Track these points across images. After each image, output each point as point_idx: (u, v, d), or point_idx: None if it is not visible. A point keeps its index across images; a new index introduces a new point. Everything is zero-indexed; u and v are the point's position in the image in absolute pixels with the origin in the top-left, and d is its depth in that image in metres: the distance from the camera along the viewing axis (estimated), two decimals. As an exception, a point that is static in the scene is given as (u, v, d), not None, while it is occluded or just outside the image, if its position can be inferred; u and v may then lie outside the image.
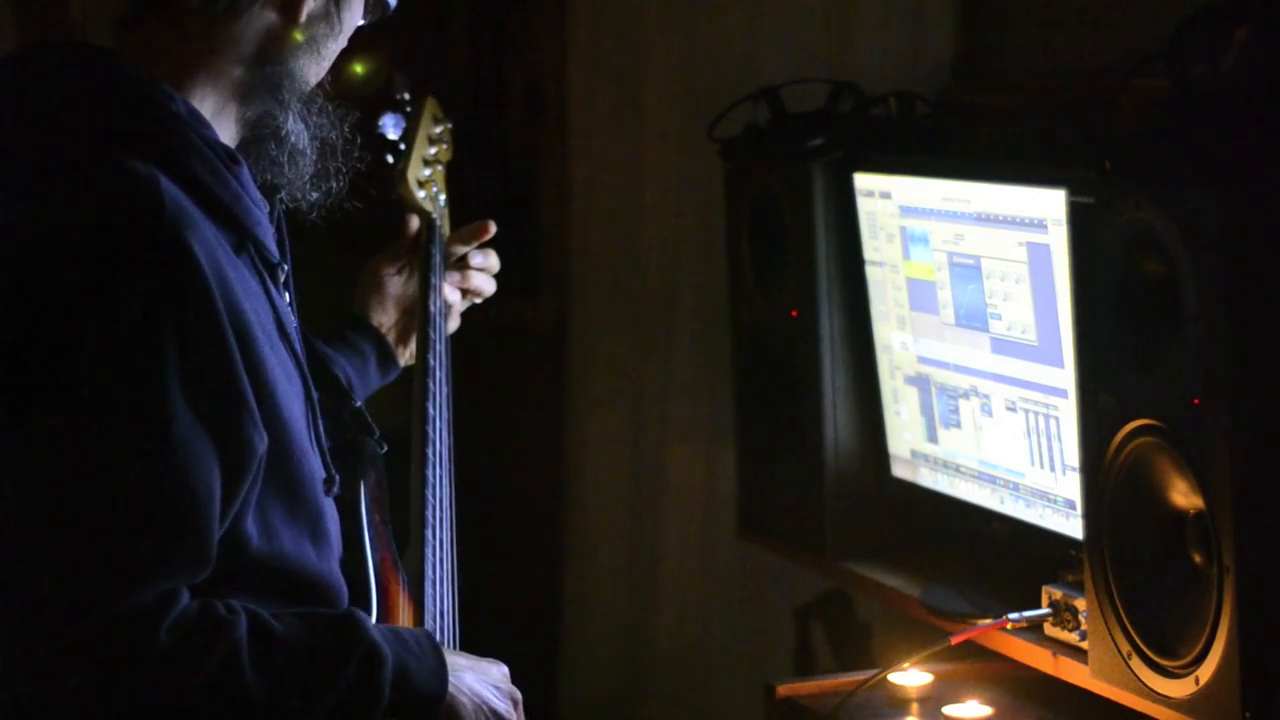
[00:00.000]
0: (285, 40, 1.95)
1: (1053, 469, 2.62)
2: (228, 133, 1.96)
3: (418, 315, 2.49)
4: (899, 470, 2.99)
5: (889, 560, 2.99)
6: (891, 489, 3.01)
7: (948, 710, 2.68)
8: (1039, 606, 2.54)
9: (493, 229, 2.62)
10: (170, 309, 1.77)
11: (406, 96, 2.69)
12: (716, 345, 3.54)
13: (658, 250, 3.95)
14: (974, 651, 2.68)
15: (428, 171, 2.63)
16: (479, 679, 2.00)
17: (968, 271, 2.73)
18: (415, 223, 2.58)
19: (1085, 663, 2.39)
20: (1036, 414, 2.64)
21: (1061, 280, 2.51)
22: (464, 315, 2.62)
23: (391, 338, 2.51)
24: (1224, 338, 2.10)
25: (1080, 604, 2.46)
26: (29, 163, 1.85)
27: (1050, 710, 2.68)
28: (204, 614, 1.80)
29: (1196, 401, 2.13)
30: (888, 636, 3.27)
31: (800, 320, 3.04)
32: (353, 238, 2.49)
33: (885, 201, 2.90)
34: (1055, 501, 2.63)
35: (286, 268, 2.03)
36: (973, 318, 2.74)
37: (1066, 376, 2.55)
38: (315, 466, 1.97)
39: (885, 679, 2.71)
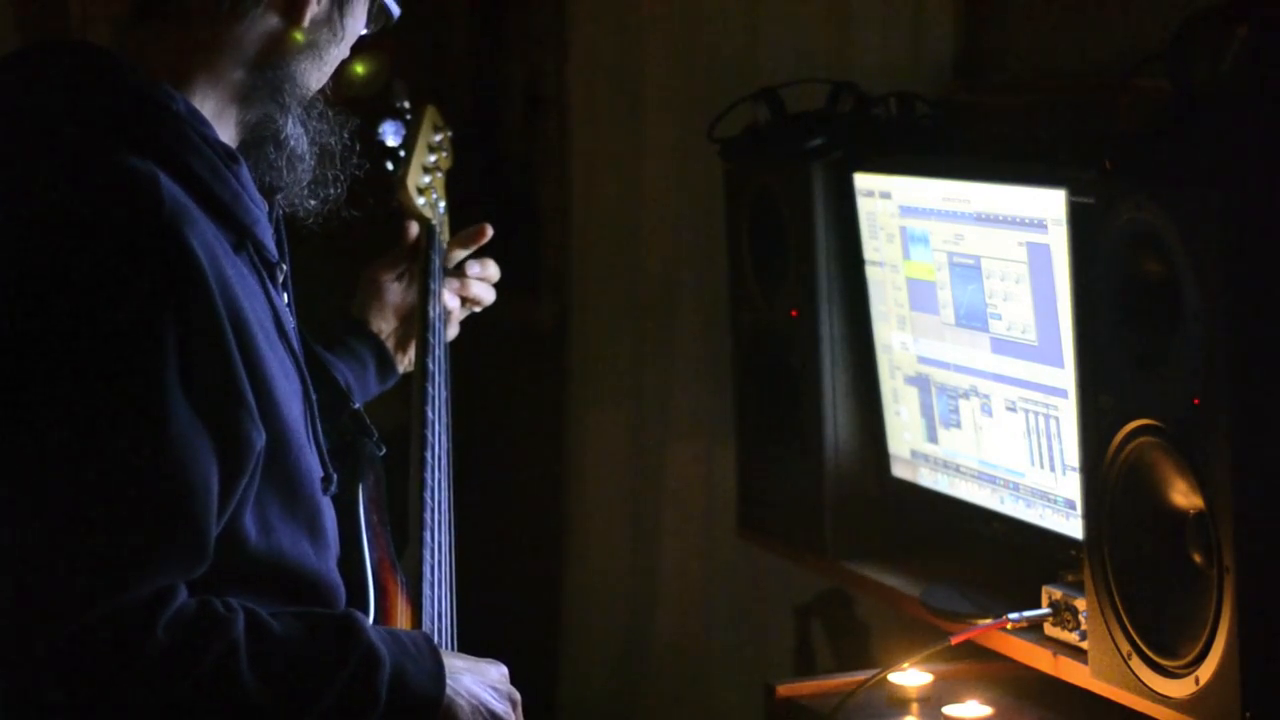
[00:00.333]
0: (287, 43, 1.95)
1: (1053, 469, 2.62)
2: (227, 135, 1.96)
3: (417, 320, 2.49)
4: (899, 470, 3.00)
5: (889, 560, 2.99)
6: (891, 489, 3.01)
7: (948, 710, 2.68)
8: (1039, 606, 2.54)
9: (490, 232, 2.62)
10: (169, 305, 1.78)
11: (407, 104, 2.70)
12: (716, 345, 3.54)
13: (658, 250, 3.95)
14: (974, 651, 2.68)
15: (427, 179, 2.64)
16: (477, 680, 2.00)
17: (968, 271, 2.73)
18: (414, 229, 2.58)
19: (1085, 663, 2.39)
20: (1036, 414, 2.64)
21: (1061, 280, 2.51)
22: (462, 319, 2.62)
23: (390, 344, 2.51)
24: (1224, 338, 2.10)
25: (1080, 604, 2.46)
26: (29, 160, 1.85)
27: (1050, 710, 2.68)
28: (202, 612, 1.80)
29: (1196, 401, 2.13)
30: (888, 636, 3.27)
31: (800, 320, 3.04)
32: (350, 243, 2.49)
33: (885, 201, 2.90)
34: (1055, 501, 2.63)
35: (285, 268, 2.04)
36: (973, 318, 2.74)
37: (1066, 376, 2.55)
38: (313, 465, 1.97)
39: (885, 679, 2.71)
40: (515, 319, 3.99)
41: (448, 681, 1.94)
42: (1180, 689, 2.19)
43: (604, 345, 4.12)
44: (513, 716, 2.02)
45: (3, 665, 1.75)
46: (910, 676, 2.73)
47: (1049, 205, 2.52)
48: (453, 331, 2.57)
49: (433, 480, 2.32)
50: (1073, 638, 2.48)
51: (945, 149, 3.01)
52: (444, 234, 2.62)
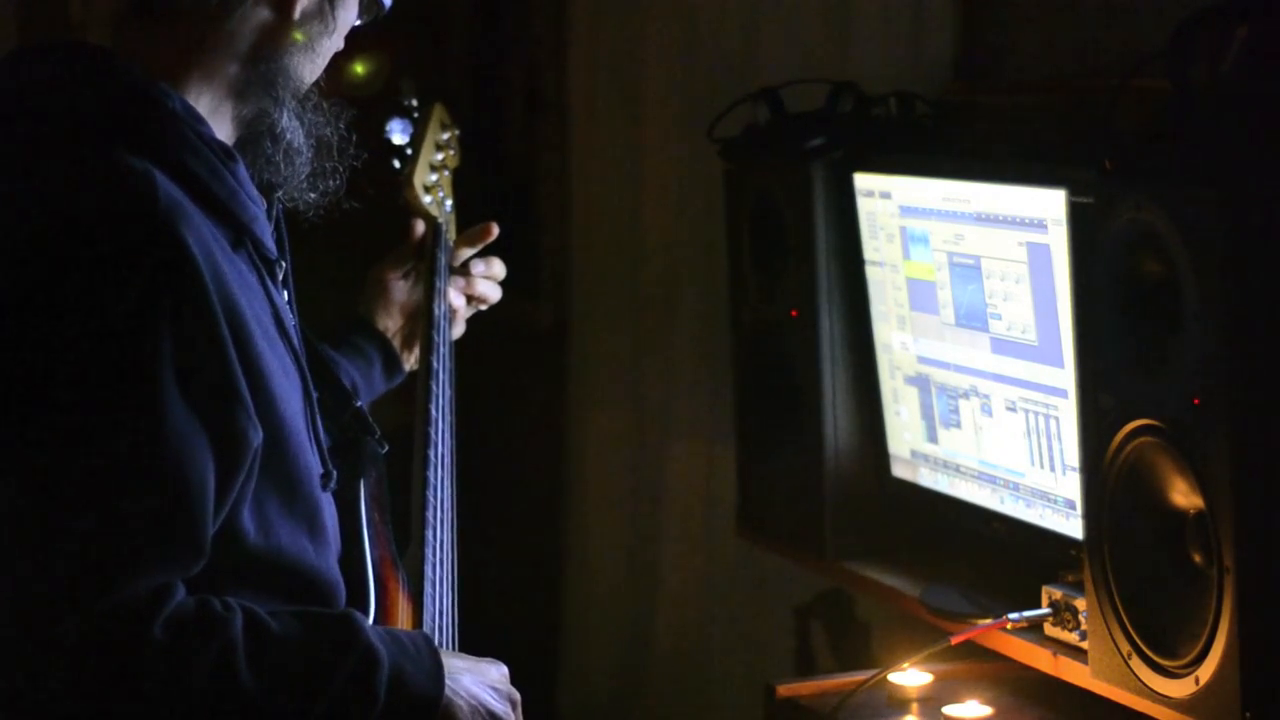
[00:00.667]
0: (279, 37, 1.96)
1: (1053, 469, 2.62)
2: (224, 131, 1.97)
3: (422, 318, 2.50)
4: (899, 470, 2.99)
5: (889, 560, 2.99)
6: (891, 489, 3.01)
7: (948, 710, 2.68)
8: (1039, 606, 2.54)
9: (495, 231, 2.63)
10: (164, 302, 1.78)
11: (414, 103, 2.70)
12: (716, 345, 3.54)
13: (658, 250, 3.95)
14: (974, 651, 2.68)
15: (434, 177, 2.64)
16: (476, 681, 2.00)
17: (968, 271, 2.73)
18: (421, 227, 2.58)
19: (1085, 663, 2.39)
20: (1036, 414, 2.64)
21: (1061, 280, 2.51)
22: (468, 317, 2.62)
23: (397, 342, 2.52)
24: (1224, 338, 2.10)
25: (1080, 604, 2.46)
26: (26, 160, 1.85)
27: (1050, 710, 2.67)
28: (200, 610, 1.80)
29: (1196, 401, 2.13)
30: (888, 636, 3.27)
31: (800, 320, 3.04)
32: (353, 241, 2.49)
33: (885, 201, 2.90)
34: (1055, 501, 2.63)
35: (285, 264, 2.04)
36: (973, 318, 2.74)
37: (1066, 376, 2.55)
38: (312, 462, 1.97)
39: (885, 679, 2.71)
40: (515, 319, 3.99)
41: (447, 682, 1.94)
42: (1180, 689, 2.19)
43: (604, 345, 4.12)
44: (512, 716, 2.02)
45: (2, 662, 1.75)
46: (910, 676, 2.73)
47: (1049, 205, 2.52)
48: (458, 330, 2.58)
49: (436, 479, 2.32)
50: (1073, 638, 2.48)
51: (945, 149, 3.01)
52: (450, 232, 2.63)
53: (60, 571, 1.75)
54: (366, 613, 2.05)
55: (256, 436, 1.85)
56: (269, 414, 1.87)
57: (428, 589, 2.20)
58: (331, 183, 2.05)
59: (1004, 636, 2.58)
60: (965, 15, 3.24)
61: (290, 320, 2.02)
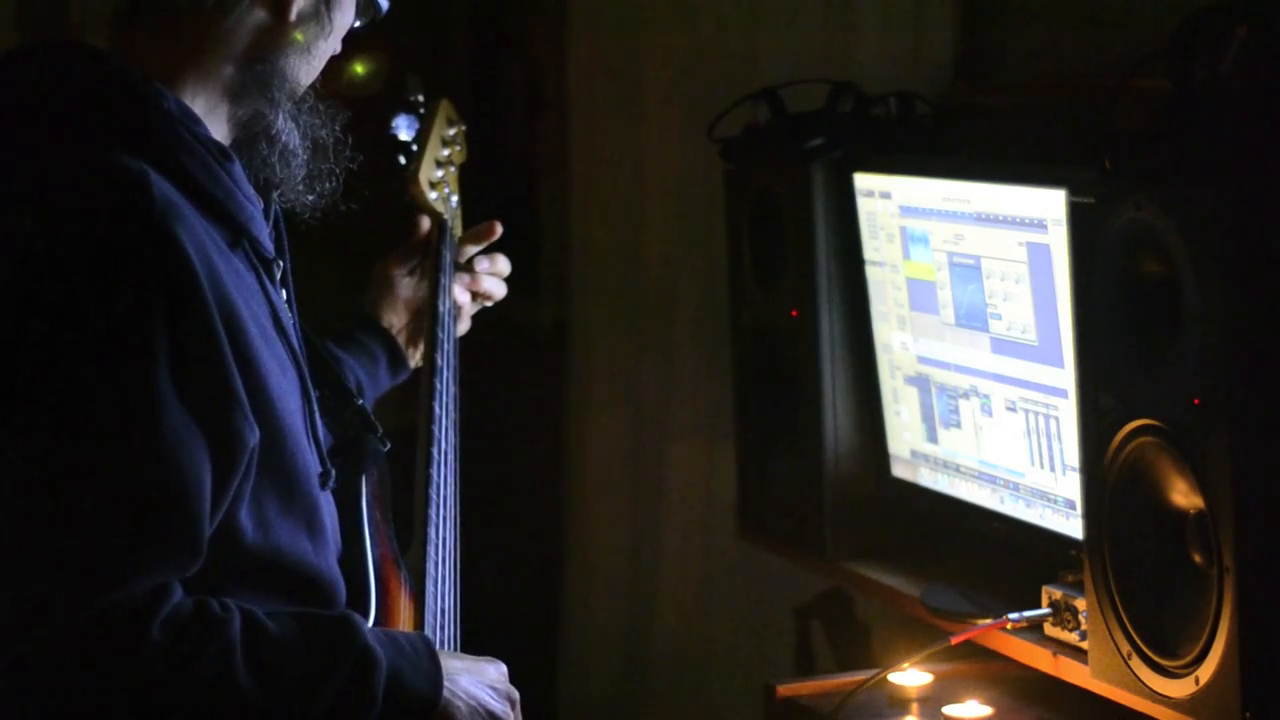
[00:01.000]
0: (275, 39, 1.96)
1: (1053, 469, 2.62)
2: (219, 132, 1.97)
3: (426, 315, 2.49)
4: (899, 470, 2.99)
5: (889, 560, 2.99)
6: (891, 489, 3.01)
7: (948, 710, 2.68)
8: (1039, 606, 2.54)
9: (499, 230, 2.63)
10: (159, 301, 1.78)
11: (421, 98, 2.70)
12: (716, 345, 3.54)
13: (658, 250, 3.95)
14: (974, 651, 2.68)
15: (440, 173, 2.64)
16: (475, 681, 2.00)
17: (968, 271, 2.73)
18: (426, 224, 2.58)
19: (1085, 663, 2.39)
20: (1036, 414, 2.64)
21: (1061, 280, 2.51)
22: (473, 314, 2.62)
23: (402, 339, 2.52)
24: (1224, 338, 2.10)
25: (1080, 604, 2.46)
26: (22, 159, 1.85)
27: (1050, 710, 2.67)
28: (198, 611, 1.80)
29: (1196, 401, 2.13)
30: (888, 636, 3.27)
31: (800, 320, 3.04)
32: (352, 238, 2.49)
33: (885, 201, 2.90)
34: (1055, 501, 2.63)
35: (283, 264, 2.04)
36: (973, 318, 2.74)
37: (1066, 376, 2.55)
38: (310, 461, 1.97)
39: (885, 679, 2.71)
40: (515, 319, 3.99)
41: (445, 683, 1.94)
42: (1180, 689, 2.19)
43: (604, 346, 4.12)
44: (511, 716, 2.02)
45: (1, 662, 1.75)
46: (910, 676, 2.73)
47: (1049, 205, 2.52)
48: (463, 327, 2.58)
49: (439, 476, 2.32)
50: (1073, 638, 2.48)
51: (945, 149, 3.01)
52: (456, 228, 2.63)
53: (57, 571, 1.75)
54: (367, 611, 2.05)
55: (253, 436, 1.85)
56: (266, 413, 1.87)
57: (429, 587, 2.20)
58: (328, 184, 2.05)
59: (1004, 636, 2.58)
60: (965, 15, 3.24)
61: (288, 319, 2.02)
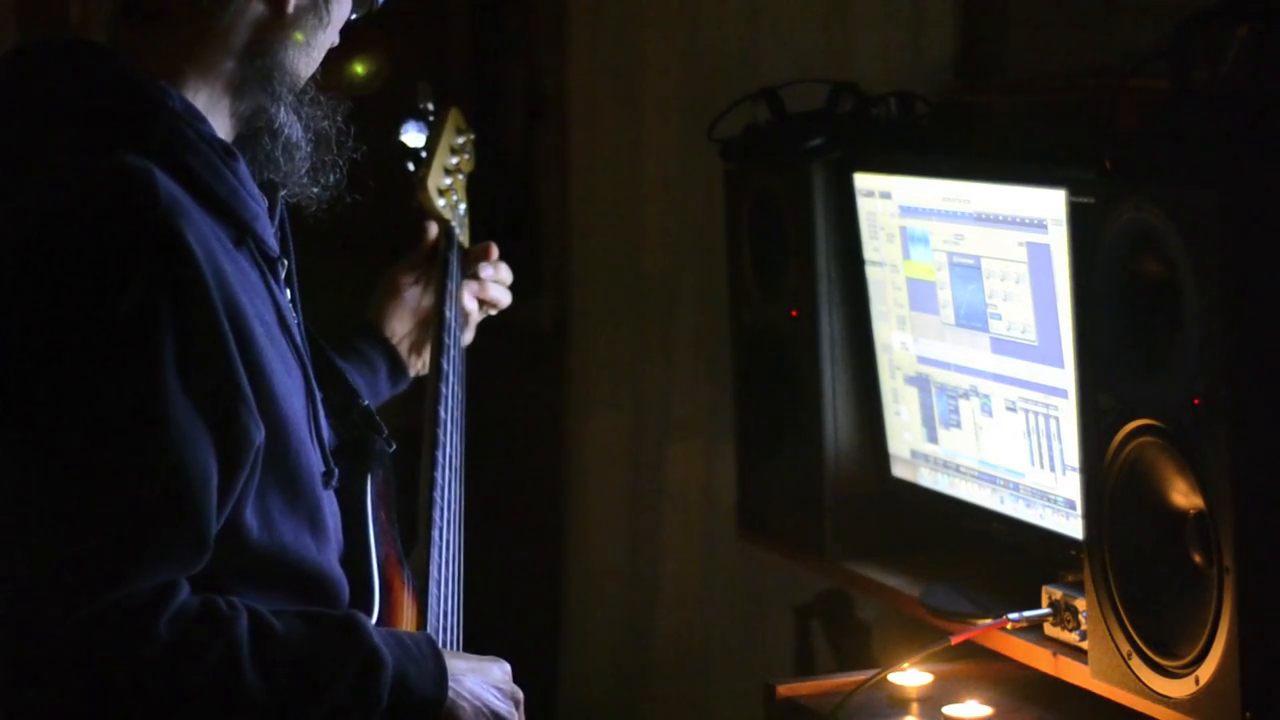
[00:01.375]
0: (274, 32, 1.96)
1: (1053, 469, 2.62)
2: (222, 128, 1.97)
3: (433, 321, 2.49)
4: (899, 470, 2.99)
5: (889, 560, 2.99)
6: (891, 489, 3.01)
7: (948, 710, 2.68)
8: (1039, 606, 2.54)
9: (495, 251, 2.62)
10: (165, 298, 1.78)
11: (431, 106, 2.70)
12: (716, 345, 3.54)
13: (658, 250, 3.95)
14: (974, 651, 2.68)
15: (448, 180, 2.65)
16: (480, 681, 2.00)
17: (968, 271, 2.73)
18: (434, 231, 2.58)
19: (1085, 663, 2.39)
20: (1036, 414, 2.64)
21: (1061, 280, 2.51)
22: (479, 321, 2.61)
23: (404, 348, 2.51)
24: (1224, 338, 2.10)
25: (1080, 604, 2.46)
26: (27, 159, 1.86)
27: (1050, 710, 2.67)
28: (205, 609, 1.80)
29: (1196, 401, 2.13)
30: (888, 636, 3.27)
31: (800, 320, 3.04)
32: (354, 239, 2.49)
33: (885, 201, 2.90)
34: (1055, 501, 2.63)
35: (287, 263, 2.04)
36: (973, 318, 2.74)
37: (1066, 376, 2.55)
38: (314, 459, 1.98)
39: (885, 679, 2.71)
40: (515, 319, 4.00)
41: (450, 684, 1.94)
42: (1180, 689, 2.19)
43: (604, 346, 4.12)
44: (516, 716, 2.02)
45: (5, 657, 1.75)
46: (910, 676, 2.73)
47: (1049, 205, 2.52)
48: (468, 336, 2.57)
49: (443, 479, 2.32)
50: (1073, 638, 2.48)
51: (945, 149, 3.01)
52: (464, 236, 2.64)
53: (63, 567, 1.75)
54: (370, 611, 2.05)
55: (259, 434, 1.85)
56: (270, 411, 1.88)
57: (432, 589, 2.20)
58: (332, 176, 2.06)
59: (1004, 636, 2.58)
60: (965, 15, 3.24)
61: (293, 318, 2.02)
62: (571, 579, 4.24)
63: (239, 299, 1.85)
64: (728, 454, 3.40)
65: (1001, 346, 2.69)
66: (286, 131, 1.99)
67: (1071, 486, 2.58)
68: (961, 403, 2.81)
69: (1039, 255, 2.56)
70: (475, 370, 2.64)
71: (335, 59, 2.07)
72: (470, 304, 2.57)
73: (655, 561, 3.97)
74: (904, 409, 2.95)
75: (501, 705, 2.00)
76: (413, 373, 2.52)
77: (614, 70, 4.04)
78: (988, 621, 2.58)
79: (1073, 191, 2.34)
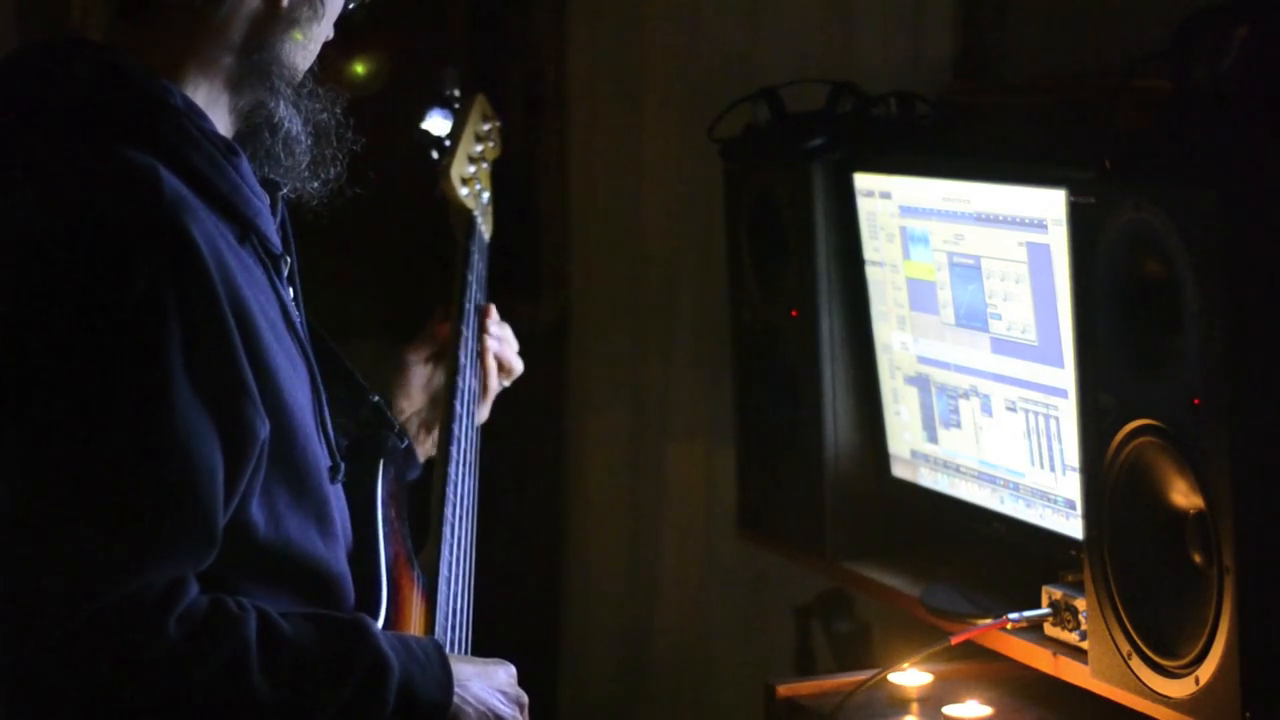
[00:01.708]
0: (270, 26, 1.97)
1: (1053, 469, 2.62)
2: (222, 124, 1.97)
3: (452, 311, 2.46)
4: (899, 470, 2.99)
5: (889, 560, 2.99)
6: (891, 489, 3.01)
7: (948, 710, 2.68)
8: (1039, 606, 2.54)
9: (494, 311, 2.57)
10: (171, 292, 1.79)
11: (456, 93, 2.69)
12: (716, 345, 3.54)
13: (658, 250, 3.95)
14: (974, 651, 2.68)
15: (472, 169, 2.63)
16: (485, 686, 2.00)
17: (968, 271, 2.73)
18: (445, 329, 2.49)
19: (1085, 663, 2.39)
20: (1036, 414, 2.64)
21: (1061, 280, 2.51)
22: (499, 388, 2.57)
23: (414, 426, 2.44)
24: (1224, 338, 2.10)
25: (1080, 604, 2.46)
26: (32, 156, 1.86)
27: (1050, 710, 2.67)
28: (214, 609, 1.81)
29: (1196, 401, 2.13)
30: (888, 636, 3.27)
31: (800, 320, 3.04)
32: (357, 239, 2.48)
33: (885, 201, 2.90)
34: (1055, 501, 2.63)
35: (290, 260, 2.04)
36: (973, 318, 2.74)
37: (1066, 376, 2.55)
38: (320, 455, 1.98)
39: (885, 679, 2.71)
40: (515, 319, 4.00)
41: (455, 689, 1.95)
42: (1180, 689, 2.19)
43: (604, 345, 4.12)
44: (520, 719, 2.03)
45: (15, 652, 1.76)
46: (910, 676, 2.73)
47: (1049, 205, 2.52)
48: (484, 412, 2.51)
49: (457, 475, 2.31)
50: (1073, 638, 2.48)
51: (945, 149, 3.01)
52: (486, 225, 2.62)
53: (72, 561, 1.75)
54: (378, 609, 2.04)
55: (264, 428, 1.85)
56: (276, 406, 1.88)
57: (442, 587, 2.20)
58: (332, 170, 2.06)
59: (1004, 636, 2.58)
60: (965, 15, 3.25)
61: (297, 316, 2.02)
62: (571, 579, 4.24)
63: (244, 294, 1.85)
64: (728, 454, 3.40)
65: (1001, 346, 2.69)
66: (286, 125, 2.00)
67: (1071, 486, 2.58)
68: (961, 403, 2.81)
69: (1039, 255, 2.56)
70: (475, 370, 2.64)
71: (334, 58, 2.07)
72: (493, 382, 2.52)
73: (655, 561, 3.97)
74: (904, 409, 2.95)
75: (506, 710, 2.00)
76: (422, 455, 2.43)
77: (614, 70, 4.04)
78: (988, 621, 2.58)
79: (1073, 191, 2.34)
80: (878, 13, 3.36)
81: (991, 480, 2.77)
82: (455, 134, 2.64)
